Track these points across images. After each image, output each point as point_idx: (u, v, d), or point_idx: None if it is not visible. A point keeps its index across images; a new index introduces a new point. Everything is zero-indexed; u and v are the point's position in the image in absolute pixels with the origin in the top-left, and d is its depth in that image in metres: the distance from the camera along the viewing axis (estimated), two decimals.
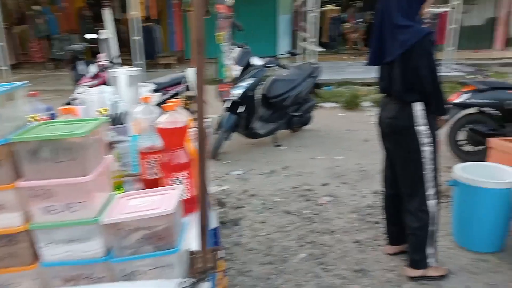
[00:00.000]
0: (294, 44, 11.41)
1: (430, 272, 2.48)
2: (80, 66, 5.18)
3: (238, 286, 2.51)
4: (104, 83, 3.52)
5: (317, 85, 5.65)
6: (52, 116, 1.82)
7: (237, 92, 4.63)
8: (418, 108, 2.24)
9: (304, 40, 10.00)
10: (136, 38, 8.92)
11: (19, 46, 11.59)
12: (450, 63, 9.62)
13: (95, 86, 2.82)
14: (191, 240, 1.18)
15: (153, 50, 10.67)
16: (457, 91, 4.39)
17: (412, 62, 2.13)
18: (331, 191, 3.82)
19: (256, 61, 4.87)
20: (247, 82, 4.70)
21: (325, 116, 6.39)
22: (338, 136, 5.47)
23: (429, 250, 2.44)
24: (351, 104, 6.91)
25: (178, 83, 4.83)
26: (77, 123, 1.14)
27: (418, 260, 2.47)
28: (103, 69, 4.67)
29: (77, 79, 5.03)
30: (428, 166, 2.30)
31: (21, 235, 1.09)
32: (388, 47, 2.20)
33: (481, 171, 2.82)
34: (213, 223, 1.96)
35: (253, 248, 2.92)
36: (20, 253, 1.10)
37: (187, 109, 1.90)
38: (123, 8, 10.13)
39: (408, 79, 2.19)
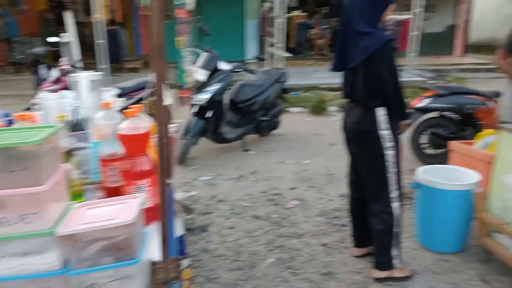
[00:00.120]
0: (262, 50, 11.46)
1: (396, 273, 2.53)
2: (42, 70, 5.02)
3: None
4: (66, 88, 3.42)
5: (285, 90, 5.70)
6: (10, 123, 1.74)
7: (205, 96, 4.60)
8: (381, 113, 2.28)
9: (272, 45, 10.07)
10: (101, 41, 8.72)
11: None
12: (412, 69, 9.92)
13: (56, 91, 2.73)
14: (154, 250, 1.15)
15: (119, 54, 10.47)
16: (419, 96, 4.53)
17: (374, 68, 2.18)
18: (299, 195, 3.84)
19: (224, 66, 4.85)
20: (215, 87, 4.67)
21: (293, 120, 6.45)
22: (306, 141, 5.53)
23: (394, 252, 2.49)
24: (318, 109, 7.01)
25: (143, 88, 4.75)
26: (32, 131, 1.09)
27: (383, 261, 2.51)
28: (65, 73, 4.53)
29: (39, 83, 4.87)
30: (391, 169, 2.35)
31: None
32: (351, 54, 2.24)
33: (443, 174, 2.90)
34: (179, 231, 1.93)
35: (221, 254, 2.90)
36: None
37: (152, 114, 1.86)
38: (88, 11, 9.90)
39: (371, 84, 2.23)
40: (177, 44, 6.33)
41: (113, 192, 1.42)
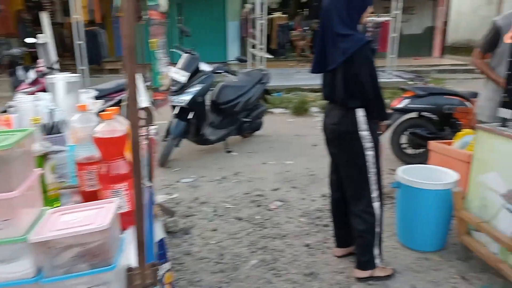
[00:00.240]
0: (243, 51, 11.47)
1: (377, 273, 2.55)
2: (19, 72, 4.90)
3: None
4: (44, 89, 3.34)
5: (267, 91, 5.70)
6: None
7: (186, 98, 4.56)
8: (360, 114, 2.30)
9: (253, 46, 10.08)
10: (79, 42, 8.57)
11: None
12: (392, 70, 10.06)
13: (34, 93, 2.66)
14: (131, 256, 1.12)
15: (98, 55, 10.32)
16: (398, 96, 4.59)
17: (353, 69, 2.19)
18: (281, 196, 3.85)
19: (205, 67, 4.82)
20: (196, 88, 4.63)
21: (275, 121, 6.46)
22: (288, 141, 5.54)
23: (375, 251, 2.51)
24: (300, 110, 7.04)
25: (123, 90, 4.67)
26: (3, 135, 1.05)
27: (365, 261, 2.53)
28: (42, 75, 4.44)
29: (16, 85, 4.75)
30: (371, 170, 2.37)
31: None
32: (331, 55, 2.25)
33: (423, 173, 2.94)
34: (159, 234, 1.90)
35: (204, 257, 2.87)
36: None
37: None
38: (66, 12, 9.72)
39: (350, 86, 2.24)
40: (151, 46, 6.27)
41: (90, 196, 1.39)
